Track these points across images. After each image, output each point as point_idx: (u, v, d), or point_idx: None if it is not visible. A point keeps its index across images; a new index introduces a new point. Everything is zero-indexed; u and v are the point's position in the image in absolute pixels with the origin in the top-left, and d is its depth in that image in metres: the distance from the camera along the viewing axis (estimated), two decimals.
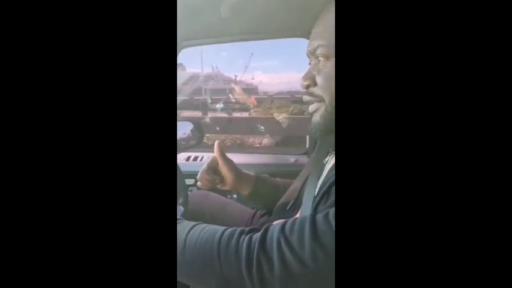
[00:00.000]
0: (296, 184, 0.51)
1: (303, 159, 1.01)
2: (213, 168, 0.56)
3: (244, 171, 0.58)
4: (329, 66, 0.37)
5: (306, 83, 0.40)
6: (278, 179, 0.62)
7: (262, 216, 0.65)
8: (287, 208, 0.48)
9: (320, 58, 0.38)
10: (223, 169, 0.56)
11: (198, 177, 0.55)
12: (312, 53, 0.39)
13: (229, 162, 0.56)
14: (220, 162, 0.55)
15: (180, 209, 0.59)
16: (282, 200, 0.51)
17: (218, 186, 0.57)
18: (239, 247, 0.31)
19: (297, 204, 0.46)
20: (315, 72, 0.39)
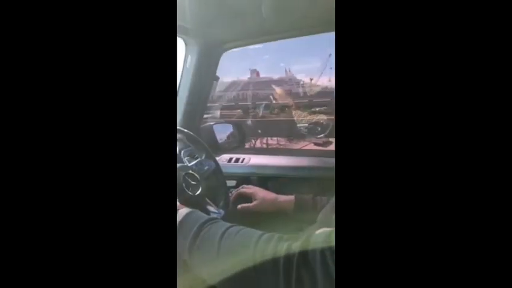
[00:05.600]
0: None
1: None
2: None
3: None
4: None
5: None
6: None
7: None
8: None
9: None
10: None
11: None
12: None
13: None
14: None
15: (220, 212, 0.59)
16: (328, 205, 0.48)
17: None
18: (277, 254, 0.29)
19: None
20: None
